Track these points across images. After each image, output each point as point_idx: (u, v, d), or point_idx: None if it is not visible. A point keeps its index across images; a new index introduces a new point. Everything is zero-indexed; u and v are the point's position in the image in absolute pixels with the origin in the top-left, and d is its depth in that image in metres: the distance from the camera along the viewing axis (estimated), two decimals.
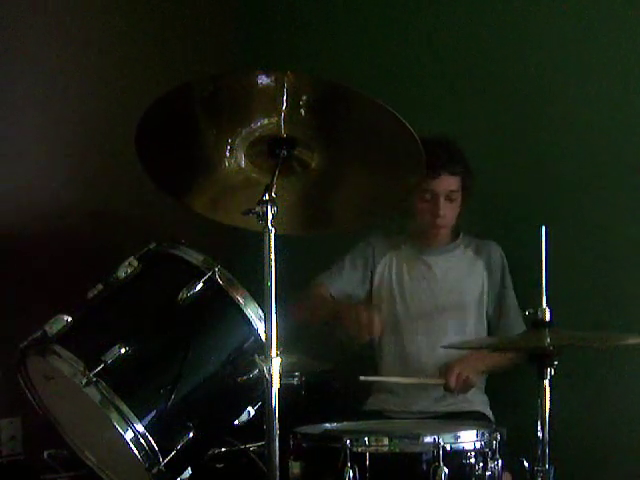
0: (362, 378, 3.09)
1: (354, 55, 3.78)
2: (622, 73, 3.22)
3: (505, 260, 3.27)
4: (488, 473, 2.41)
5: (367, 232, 3.33)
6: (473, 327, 3.22)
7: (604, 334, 2.59)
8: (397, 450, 2.39)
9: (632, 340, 2.47)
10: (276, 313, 2.18)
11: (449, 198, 3.16)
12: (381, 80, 3.63)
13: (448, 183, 3.14)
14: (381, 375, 3.28)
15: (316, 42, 3.90)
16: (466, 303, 3.23)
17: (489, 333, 3.26)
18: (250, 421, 2.51)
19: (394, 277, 3.28)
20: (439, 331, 3.19)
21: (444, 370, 3.08)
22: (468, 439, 2.41)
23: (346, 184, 2.46)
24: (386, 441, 2.38)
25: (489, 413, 3.21)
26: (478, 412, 3.16)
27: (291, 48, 3.91)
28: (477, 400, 3.21)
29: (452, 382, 3.04)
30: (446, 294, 3.24)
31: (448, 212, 3.18)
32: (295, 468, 2.44)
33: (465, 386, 3.07)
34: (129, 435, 2.31)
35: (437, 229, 3.22)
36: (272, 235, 2.19)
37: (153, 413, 2.37)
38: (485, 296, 3.25)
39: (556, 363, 2.40)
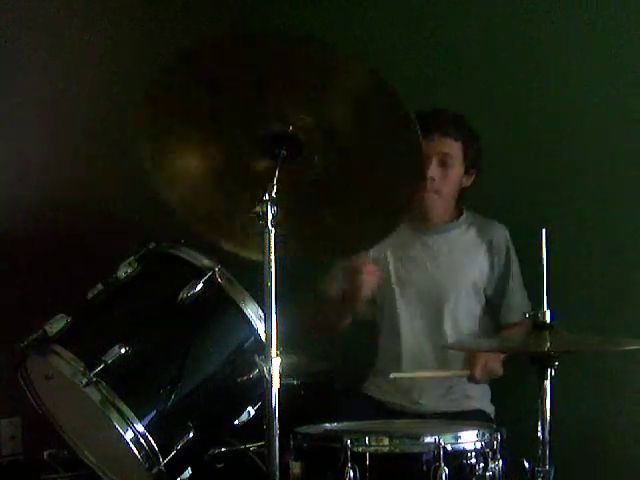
0: (392, 375, 3.02)
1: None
2: (624, 74, 3.23)
3: (510, 242, 3.20)
4: (489, 473, 2.40)
5: None
6: (469, 310, 3.18)
7: (604, 337, 2.58)
8: (397, 450, 2.38)
9: (633, 345, 2.47)
10: (276, 313, 2.18)
11: (443, 162, 3.06)
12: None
13: (441, 145, 3.04)
14: (377, 360, 3.25)
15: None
16: (463, 284, 3.17)
17: (490, 314, 3.23)
18: (250, 421, 2.51)
19: (391, 258, 3.19)
20: (435, 313, 3.15)
21: (468, 360, 3.01)
22: (469, 439, 2.41)
23: (347, 198, 2.44)
24: (386, 441, 2.38)
25: (490, 409, 3.19)
26: (479, 410, 3.15)
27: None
28: (478, 395, 3.18)
29: (478, 373, 2.99)
30: (444, 274, 3.17)
31: (441, 177, 3.07)
32: (295, 468, 2.43)
33: (490, 375, 3.02)
34: (129, 435, 2.31)
35: (427, 194, 3.08)
36: (272, 235, 2.19)
37: (153, 413, 2.37)
38: (485, 278, 3.19)
39: (557, 364, 2.40)
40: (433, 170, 3.05)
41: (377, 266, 3.08)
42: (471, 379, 3.03)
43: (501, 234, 3.21)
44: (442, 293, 3.16)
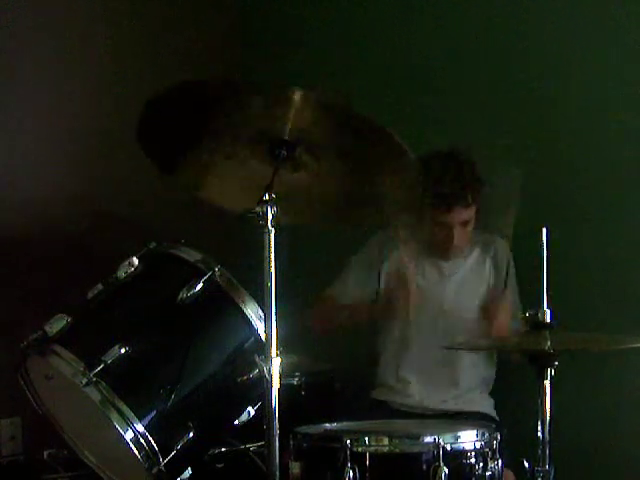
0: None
1: (357, 56, 3.79)
2: (623, 74, 3.23)
3: (511, 257, 3.24)
4: (488, 473, 2.40)
5: (373, 231, 3.30)
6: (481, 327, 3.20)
7: (604, 336, 2.58)
8: (397, 450, 2.39)
9: (633, 343, 2.47)
10: (276, 313, 2.18)
11: (463, 226, 3.11)
12: (383, 81, 3.63)
13: (461, 215, 3.09)
14: (381, 374, 3.27)
15: (318, 42, 3.90)
16: (474, 304, 3.21)
17: None
18: (250, 421, 2.51)
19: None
20: (445, 330, 3.17)
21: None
22: (468, 439, 2.41)
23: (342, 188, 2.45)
24: (386, 441, 2.38)
25: (494, 414, 3.20)
26: (482, 413, 3.15)
27: (293, 48, 3.91)
28: (482, 401, 3.20)
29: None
30: (454, 294, 3.22)
31: (461, 236, 3.13)
32: (295, 468, 2.43)
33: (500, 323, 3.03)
34: (129, 435, 2.31)
35: (451, 252, 3.18)
36: (272, 235, 2.19)
37: (153, 413, 2.37)
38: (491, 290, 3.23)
39: (556, 364, 2.40)
40: (457, 238, 3.11)
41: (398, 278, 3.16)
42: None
43: (503, 248, 3.25)
44: (454, 312, 3.20)
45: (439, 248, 3.19)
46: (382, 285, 3.25)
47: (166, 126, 2.31)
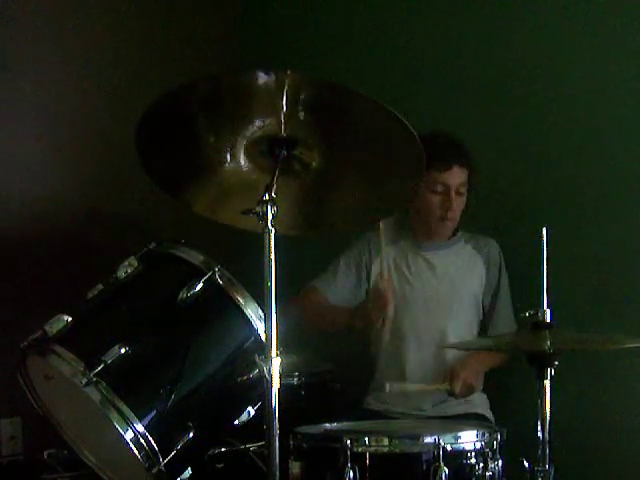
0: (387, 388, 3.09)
1: (355, 55, 3.79)
2: (623, 75, 3.22)
3: (502, 258, 3.27)
4: (488, 473, 2.40)
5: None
6: (470, 322, 3.22)
7: (604, 336, 2.59)
8: (397, 450, 2.39)
9: (632, 343, 2.47)
10: (276, 313, 2.18)
11: (458, 192, 3.15)
12: (381, 80, 3.63)
13: (459, 176, 3.14)
14: (378, 374, 3.27)
15: (316, 42, 3.90)
16: (465, 298, 3.23)
17: (481, 328, 3.26)
18: (250, 421, 2.51)
19: (393, 272, 3.24)
20: (437, 326, 3.18)
21: (449, 376, 3.08)
22: (468, 439, 2.41)
23: (345, 186, 2.45)
24: (386, 441, 2.38)
25: (489, 414, 3.21)
26: (478, 414, 3.15)
27: (291, 48, 3.91)
28: (477, 401, 3.20)
29: (457, 389, 3.06)
30: (446, 289, 3.23)
31: (457, 206, 3.17)
32: (295, 468, 2.44)
33: (468, 391, 3.09)
34: (129, 435, 2.31)
35: (446, 223, 3.20)
36: (272, 235, 2.19)
37: (153, 413, 2.37)
38: (483, 288, 3.25)
39: (556, 364, 2.40)
40: (454, 202, 3.15)
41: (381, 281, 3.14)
42: (451, 394, 3.09)
43: (495, 249, 3.29)
44: (446, 307, 3.21)
45: (434, 220, 3.18)
46: (372, 285, 3.25)
47: (164, 137, 2.33)
